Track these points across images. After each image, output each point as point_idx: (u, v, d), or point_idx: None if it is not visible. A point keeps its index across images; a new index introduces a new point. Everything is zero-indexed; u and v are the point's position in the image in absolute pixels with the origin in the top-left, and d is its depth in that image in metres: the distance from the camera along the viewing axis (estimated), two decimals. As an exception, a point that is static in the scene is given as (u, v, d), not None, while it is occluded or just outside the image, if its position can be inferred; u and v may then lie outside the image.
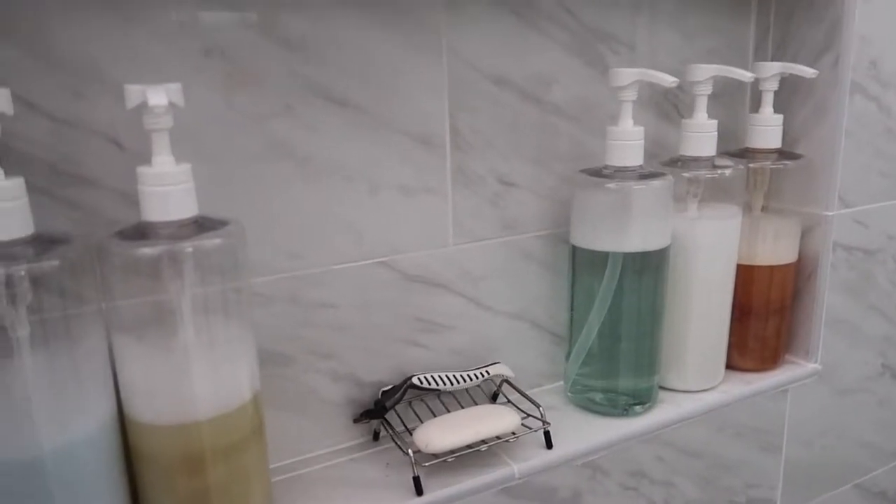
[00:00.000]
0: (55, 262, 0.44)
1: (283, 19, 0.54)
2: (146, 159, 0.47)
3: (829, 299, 0.78)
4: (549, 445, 0.64)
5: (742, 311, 0.75)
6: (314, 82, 0.57)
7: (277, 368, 0.60)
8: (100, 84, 0.50)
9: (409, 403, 0.66)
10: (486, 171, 0.66)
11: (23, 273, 0.42)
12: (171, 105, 0.45)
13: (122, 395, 0.49)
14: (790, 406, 0.80)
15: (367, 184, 0.61)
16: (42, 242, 0.44)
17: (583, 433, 0.66)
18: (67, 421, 0.45)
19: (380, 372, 0.65)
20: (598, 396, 0.70)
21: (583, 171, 0.67)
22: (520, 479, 0.61)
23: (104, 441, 0.48)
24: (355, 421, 0.64)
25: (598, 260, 0.66)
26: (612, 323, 0.67)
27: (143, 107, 0.45)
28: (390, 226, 0.62)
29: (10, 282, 0.42)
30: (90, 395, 0.47)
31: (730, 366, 0.76)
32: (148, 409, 0.49)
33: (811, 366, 0.79)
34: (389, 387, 0.64)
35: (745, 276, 0.74)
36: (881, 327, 0.85)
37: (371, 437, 0.66)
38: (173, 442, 0.49)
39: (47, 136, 0.49)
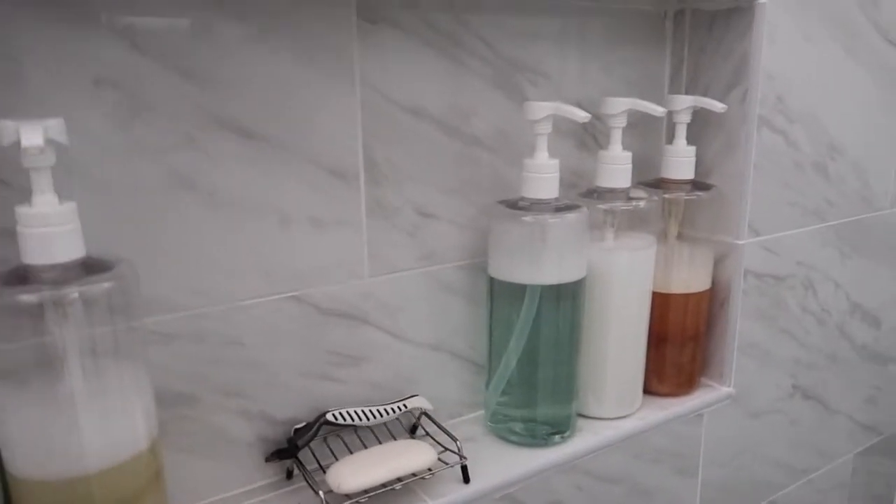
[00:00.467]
0: (-80, 312, 0.40)
1: (183, 47, 0.52)
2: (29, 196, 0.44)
3: (741, 324, 0.80)
4: (466, 480, 0.63)
5: (658, 338, 0.76)
6: (217, 113, 0.54)
7: (182, 409, 0.57)
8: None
9: (325, 439, 0.64)
10: (403, 202, 0.65)
11: None
12: (50, 142, 0.42)
13: (2, 449, 0.46)
14: (706, 429, 0.81)
15: (276, 216, 0.59)
16: None
17: (501, 465, 0.66)
18: (-64, 482, 0.42)
19: (293, 408, 0.63)
20: (518, 426, 0.70)
21: (500, 202, 0.66)
22: (435, 516, 0.60)
23: (-20, 501, 0.44)
24: (266, 460, 0.62)
25: (516, 291, 0.66)
26: (530, 352, 0.67)
27: (18, 145, 0.42)
28: (302, 259, 0.61)
29: None
30: (-37, 452, 0.44)
31: (647, 391, 0.77)
32: (31, 463, 0.45)
33: (725, 389, 0.81)
34: (303, 424, 0.62)
35: (661, 303, 0.75)
36: (791, 350, 0.88)
37: (284, 475, 0.64)
38: (60, 499, 0.46)
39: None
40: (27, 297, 0.43)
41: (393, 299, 0.66)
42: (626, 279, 0.70)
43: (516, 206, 0.65)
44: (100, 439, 0.46)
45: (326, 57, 0.58)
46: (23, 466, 0.46)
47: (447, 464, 0.62)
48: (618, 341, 0.72)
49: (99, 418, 0.46)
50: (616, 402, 0.74)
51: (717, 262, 0.78)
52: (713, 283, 0.78)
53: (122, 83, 0.50)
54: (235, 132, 0.55)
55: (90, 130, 0.50)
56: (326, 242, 0.62)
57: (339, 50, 0.59)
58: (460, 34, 0.65)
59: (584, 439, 0.70)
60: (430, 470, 0.61)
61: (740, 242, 0.77)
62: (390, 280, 0.66)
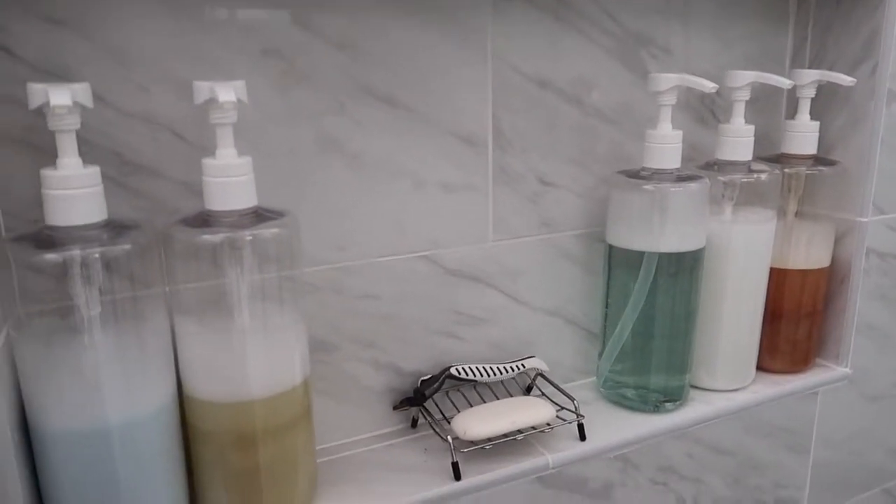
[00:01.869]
0: (127, 247, 0.46)
1: (336, 22, 0.57)
2: (207, 151, 0.50)
3: (860, 304, 0.79)
4: (582, 437, 0.66)
5: (774, 314, 0.76)
6: (365, 82, 0.59)
7: (322, 355, 0.63)
8: (165, 80, 0.53)
9: (447, 393, 0.68)
10: (527, 170, 0.68)
11: (97, 255, 0.45)
12: (238, 101, 0.47)
13: (182, 373, 0.52)
14: (819, 408, 0.81)
15: (411, 180, 0.63)
16: (114, 228, 0.47)
17: (615, 427, 0.68)
18: (133, 396, 0.48)
19: (419, 362, 0.67)
20: (630, 392, 0.71)
21: (620, 172, 0.68)
22: (553, 468, 0.63)
23: (165, 416, 0.50)
24: (395, 408, 0.67)
25: (634, 259, 0.67)
26: (645, 321, 0.69)
27: (211, 102, 0.47)
28: (432, 221, 0.65)
29: (84, 263, 0.45)
30: (154, 372, 0.50)
31: (760, 367, 0.77)
32: (205, 387, 0.51)
33: (841, 370, 0.80)
34: (428, 376, 0.66)
35: (778, 279, 0.75)
36: (913, 334, 0.86)
37: (409, 424, 0.68)
38: (227, 419, 0.52)
39: (115, 128, 0.52)
40: (208, 237, 0.49)
41: (514, 264, 0.70)
42: (744, 252, 0.71)
43: (638, 175, 0.67)
44: (263, 371, 0.52)
45: (463, 31, 0.62)
46: (197, 388, 0.52)
47: (565, 420, 0.65)
48: (733, 315, 0.72)
49: (264, 353, 0.52)
50: (728, 375, 0.75)
51: (838, 240, 0.77)
52: (833, 260, 0.77)
53: (286, 53, 0.56)
54: (380, 100, 0.60)
55: (256, 95, 0.55)
56: (455, 206, 0.65)
57: (474, 25, 0.62)
58: (588, 9, 0.67)
59: (697, 408, 0.71)
60: (548, 425, 0.64)
61: (863, 220, 0.76)
62: (512, 245, 0.69)
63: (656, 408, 0.71)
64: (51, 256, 0.44)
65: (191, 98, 0.48)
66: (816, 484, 0.84)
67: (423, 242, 0.65)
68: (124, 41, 0.51)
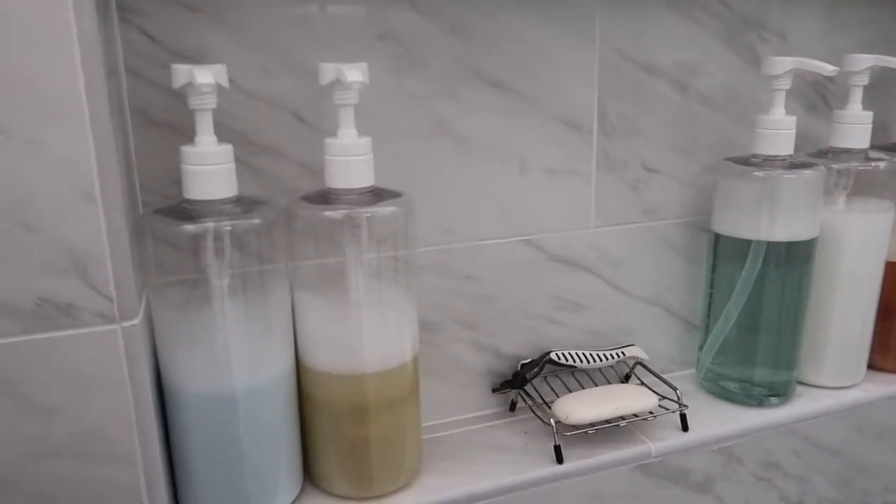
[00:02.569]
0: (256, 221, 0.49)
1: (449, 7, 0.58)
2: (326, 133, 0.52)
3: (984, 303, 0.74)
4: (684, 428, 0.65)
5: (888, 310, 0.73)
6: (475, 66, 0.60)
7: (426, 335, 0.64)
8: (288, 64, 0.55)
9: (545, 378, 0.68)
10: (630, 157, 0.68)
11: (229, 228, 0.48)
12: (361, 83, 0.49)
13: (300, 345, 0.54)
14: (935, 411, 0.77)
15: (517, 164, 0.63)
16: (245, 203, 0.50)
17: (717, 419, 0.67)
18: (257, 364, 0.51)
19: (518, 345, 0.68)
20: (733, 386, 0.70)
21: (728, 158, 0.67)
22: (656, 457, 0.63)
23: (285, 385, 0.53)
24: (494, 391, 0.67)
25: (741, 248, 0.66)
26: (751, 313, 0.67)
27: (336, 83, 0.49)
28: (536, 206, 0.65)
29: (217, 235, 0.48)
30: (276, 343, 0.52)
31: (871, 365, 0.74)
32: (322, 359, 0.53)
33: (960, 371, 0.76)
34: (528, 360, 0.67)
35: (893, 273, 0.72)
36: None
37: (507, 407, 0.69)
38: (342, 391, 0.53)
39: (242, 109, 0.55)
40: (330, 214, 0.51)
41: (615, 251, 0.69)
42: (858, 244, 0.68)
43: (748, 162, 0.65)
44: (377, 346, 0.53)
45: (571, 16, 0.62)
46: (314, 360, 0.54)
47: (668, 410, 0.64)
48: (844, 309, 0.70)
49: (378, 329, 0.53)
50: (838, 371, 0.72)
51: (960, 233, 0.73)
52: (955, 255, 0.73)
53: (401, 38, 0.57)
54: (489, 84, 0.61)
55: (372, 79, 0.57)
56: (559, 191, 0.66)
57: (583, 10, 0.62)
58: (698, -8, 0.66)
59: (804, 404, 0.69)
60: (651, 413, 0.63)
61: None
62: (614, 232, 0.69)
63: (760, 402, 0.69)
64: (188, 227, 0.47)
65: (311, 81, 0.50)
66: (929, 491, 0.80)
67: (526, 227, 0.65)
68: (251, 26, 0.53)
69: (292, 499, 0.55)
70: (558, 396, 0.65)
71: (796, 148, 0.71)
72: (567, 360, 0.67)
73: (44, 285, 0.41)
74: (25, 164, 0.39)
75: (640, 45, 0.65)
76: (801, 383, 0.72)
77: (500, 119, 0.62)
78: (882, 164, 0.67)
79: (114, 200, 0.42)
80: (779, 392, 0.69)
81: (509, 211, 0.64)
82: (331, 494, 0.56)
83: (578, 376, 0.69)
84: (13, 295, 0.40)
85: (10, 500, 0.42)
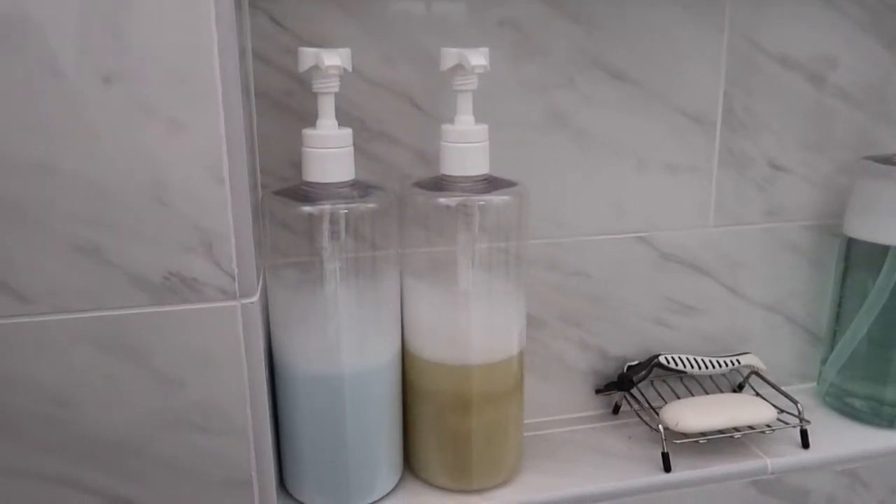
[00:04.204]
0: (372, 205, 0.49)
1: (573, -7, 0.56)
2: (441, 121, 0.51)
3: None
4: (805, 445, 0.60)
5: None
6: (596, 56, 0.58)
7: (530, 331, 0.62)
8: (407, 50, 0.55)
9: (651, 382, 0.65)
10: (757, 154, 0.63)
11: (345, 211, 0.48)
12: (483, 68, 0.48)
13: (407, 333, 0.54)
14: None
15: (634, 158, 0.61)
16: (361, 187, 0.50)
17: (842, 439, 0.62)
18: (365, 348, 0.51)
19: (625, 347, 0.65)
20: (859, 403, 0.65)
21: (868, 157, 0.62)
22: (772, 474, 0.59)
23: (391, 371, 0.53)
24: (598, 392, 0.65)
25: (877, 254, 0.61)
26: (884, 325, 0.62)
27: (457, 68, 0.49)
28: (652, 201, 0.62)
29: (333, 218, 0.48)
30: (385, 328, 0.52)
31: None
32: (428, 347, 0.53)
33: None
34: (635, 362, 0.64)
35: None
36: None
37: (611, 410, 0.66)
38: (446, 381, 0.53)
39: (361, 95, 0.55)
40: (444, 200, 0.51)
41: (734, 252, 0.65)
42: None
43: (891, 161, 0.60)
44: (484, 338, 0.52)
45: (700, 3, 0.59)
46: (420, 348, 0.53)
47: (787, 424, 0.60)
48: None
49: (485, 320, 0.52)
50: (983, 395, 0.65)
51: None
52: None
53: (521, 25, 0.56)
54: (609, 75, 0.58)
55: (490, 66, 0.56)
56: (676, 188, 0.62)
57: (712, -5, 0.59)
58: (841, -24, 0.61)
59: (943, 429, 0.63)
60: (768, 426, 0.59)
61: None
62: (733, 232, 0.65)
63: (891, 423, 0.63)
64: (306, 209, 0.48)
65: (428, 68, 0.50)
66: None
67: (640, 223, 0.63)
68: (374, 13, 0.54)
69: (392, 485, 0.55)
70: (665, 402, 0.62)
71: (945, 149, 0.65)
72: (676, 364, 0.63)
73: (173, 260, 0.42)
74: (165, 143, 0.40)
75: (773, 34, 0.61)
76: (939, 406, 0.66)
77: (620, 111, 0.59)
78: None
79: (240, 181, 0.43)
80: (914, 413, 0.63)
81: (624, 206, 0.62)
82: (430, 485, 0.55)
83: (687, 383, 0.66)
84: (145, 267, 0.42)
85: (135, 464, 0.44)
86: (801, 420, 0.60)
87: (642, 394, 0.64)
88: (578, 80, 0.58)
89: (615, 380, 0.65)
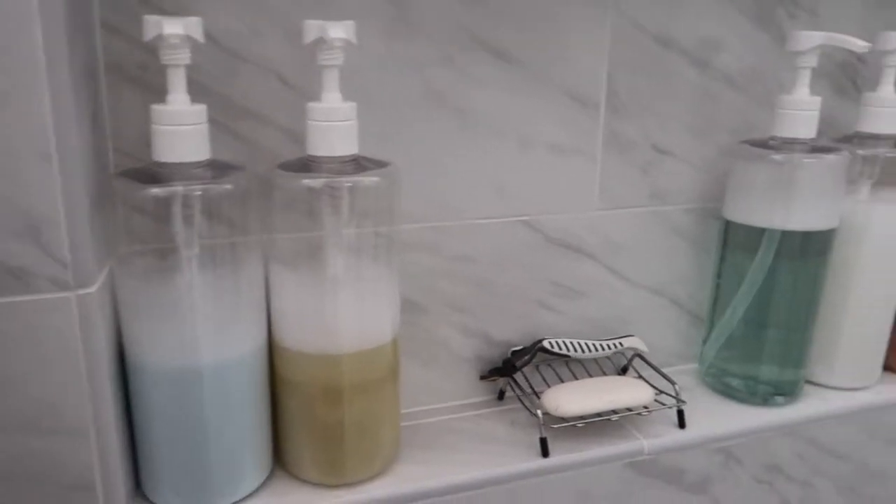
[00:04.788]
0: (228, 186, 0.46)
1: (451, -34, 0.54)
2: (312, 98, 0.48)
3: None
4: (681, 425, 0.61)
5: (909, 310, 0.68)
6: (477, 33, 0.56)
7: (412, 317, 0.61)
8: (277, 23, 0.51)
9: (537, 366, 0.65)
10: (641, 137, 0.63)
11: (199, 193, 0.45)
12: (347, 42, 0.46)
13: (273, 322, 0.51)
14: (953, 419, 0.72)
15: (517, 140, 0.60)
16: (218, 167, 0.47)
17: (718, 417, 0.63)
18: (225, 339, 0.48)
19: (510, 332, 0.64)
20: (736, 382, 0.66)
21: (745, 141, 0.62)
22: (649, 454, 0.59)
23: (255, 362, 0.50)
24: (482, 378, 0.64)
25: (753, 237, 0.62)
26: (760, 307, 0.63)
27: (319, 42, 0.46)
28: (536, 185, 0.61)
29: (186, 200, 0.45)
30: (247, 318, 0.49)
31: (887, 367, 0.70)
32: (296, 337, 0.51)
33: (983, 378, 0.71)
34: (520, 347, 0.64)
35: (917, 271, 0.67)
36: None
37: (496, 395, 0.65)
38: (315, 371, 0.51)
39: (226, 71, 0.51)
40: (308, 182, 0.48)
41: (618, 236, 0.65)
42: (880, 237, 0.64)
43: (766, 145, 0.61)
44: (354, 325, 0.50)
45: (581, -20, 0.58)
46: (287, 338, 0.51)
47: (664, 405, 0.61)
48: (861, 306, 0.65)
49: (355, 307, 0.50)
50: (850, 372, 0.68)
51: None
52: (985, 255, 0.69)
53: (398, -2, 0.53)
54: (491, 53, 0.57)
55: (364, 42, 0.53)
56: (560, 170, 0.62)
57: (594, -27, 0.58)
58: (721, -40, 0.61)
59: (811, 405, 0.65)
60: (646, 408, 0.60)
61: None
62: (618, 216, 0.65)
63: (765, 401, 0.65)
64: (155, 191, 0.44)
65: (298, 42, 0.47)
66: (941, 502, 0.76)
67: (524, 206, 0.61)
68: (235, -20, 0.50)
69: (260, 482, 0.52)
70: (549, 386, 0.61)
71: (821, 134, 0.67)
72: (560, 348, 0.63)
73: (-7, 247, 0.38)
74: (-28, 116, 0.36)
75: (658, 17, 0.61)
76: (810, 383, 0.68)
77: (501, 91, 0.58)
78: (912, 154, 0.62)
79: (72, 160, 0.40)
80: (785, 391, 0.65)
81: (507, 189, 0.61)
82: (301, 480, 0.53)
83: (573, 367, 0.66)
84: (-42, 255, 0.38)
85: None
86: (678, 401, 0.61)
87: (527, 379, 0.64)
88: (459, 59, 0.56)
89: (500, 365, 0.64)
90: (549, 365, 0.66)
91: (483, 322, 0.63)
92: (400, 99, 0.56)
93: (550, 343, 0.63)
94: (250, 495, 0.51)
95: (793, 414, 0.64)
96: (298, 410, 0.52)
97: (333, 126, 0.48)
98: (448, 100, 0.57)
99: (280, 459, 0.54)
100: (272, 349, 0.52)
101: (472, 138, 0.58)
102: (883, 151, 0.62)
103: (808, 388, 0.67)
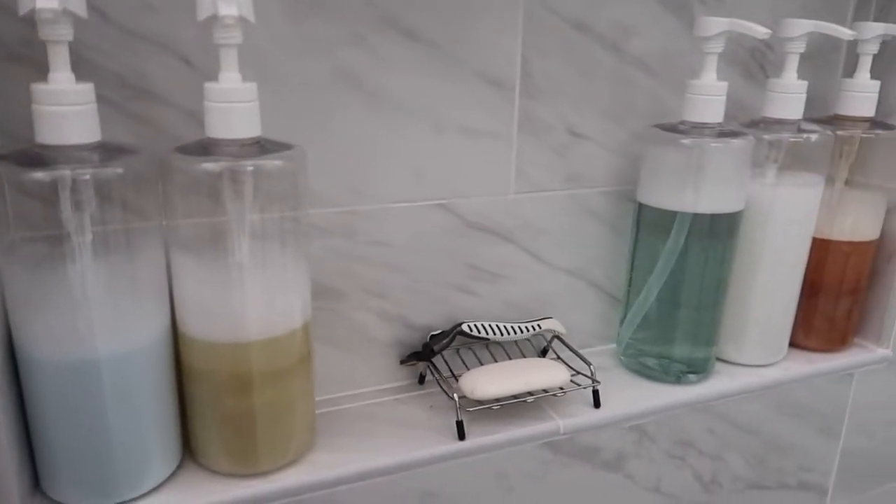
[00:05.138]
0: (119, 170, 0.44)
1: (359, -56, 0.53)
2: (214, 77, 0.46)
3: (909, 284, 0.73)
4: (596, 404, 0.62)
5: (812, 288, 0.71)
6: (387, 12, 0.55)
7: (328, 302, 0.60)
8: (172, -2, 0.49)
9: (457, 350, 0.65)
10: (556, 120, 0.64)
11: (87, 177, 0.43)
12: (242, 19, 0.44)
13: (177, 310, 0.50)
14: (854, 391, 0.76)
15: (432, 122, 0.59)
16: (108, 150, 0.44)
17: (632, 396, 0.65)
18: (124, 330, 0.46)
19: (429, 316, 0.64)
20: (652, 362, 0.68)
21: (657, 125, 0.63)
22: (564, 434, 0.60)
23: (158, 353, 0.48)
24: (402, 362, 0.64)
25: (665, 220, 0.63)
26: (672, 287, 0.64)
27: (213, 19, 0.44)
28: (452, 168, 0.61)
29: (75, 185, 0.42)
30: (147, 307, 0.48)
31: (793, 344, 0.73)
32: (200, 325, 0.49)
33: (881, 352, 0.75)
34: (438, 331, 0.64)
35: (820, 250, 0.70)
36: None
37: (416, 380, 0.65)
38: (222, 360, 0.49)
39: (118, 48, 0.49)
40: (209, 166, 0.46)
41: (536, 219, 0.66)
42: (785, 219, 0.66)
43: (675, 129, 0.62)
44: (261, 312, 0.49)
45: (493, -39, 0.57)
46: (193, 328, 0.49)
47: (579, 385, 0.62)
48: (768, 285, 0.68)
49: (261, 293, 0.49)
50: (758, 349, 0.70)
51: (889, 212, 0.72)
52: (882, 234, 0.72)
53: (301, -26, 0.52)
54: (402, 34, 0.56)
55: (267, 20, 0.51)
56: (476, 154, 0.61)
57: (506, -46, 0.58)
58: (632, -56, 0.62)
59: (721, 382, 0.67)
60: (561, 389, 0.61)
61: (920, 192, 0.70)
62: (535, 199, 0.65)
63: (678, 379, 0.67)
64: (38, 175, 0.42)
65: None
66: (844, 470, 0.80)
67: (440, 190, 0.61)
68: (128, -47, 0.48)
69: (167, 474, 0.51)
70: (468, 369, 0.62)
71: (731, 118, 0.68)
72: (479, 332, 0.63)
73: None
74: None
75: (571, 0, 0.61)
76: (721, 361, 0.70)
77: (414, 72, 0.57)
78: (814, 137, 0.64)
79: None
80: (697, 369, 0.67)
81: (422, 173, 0.60)
82: (211, 471, 0.52)
83: (493, 350, 0.66)
84: None
85: None
86: (593, 381, 0.62)
87: (447, 363, 0.64)
88: (368, 38, 0.55)
89: (419, 350, 0.64)
90: (470, 348, 0.66)
91: (402, 307, 0.63)
92: (310, 80, 0.54)
93: (469, 326, 0.63)
94: (157, 488, 0.50)
95: (704, 391, 0.66)
96: (207, 400, 0.51)
97: (233, 107, 0.46)
98: (360, 81, 0.56)
99: (190, 450, 0.53)
100: (178, 339, 0.50)
101: (385, 121, 0.57)
102: (787, 136, 0.64)
103: (718, 365, 0.69)
